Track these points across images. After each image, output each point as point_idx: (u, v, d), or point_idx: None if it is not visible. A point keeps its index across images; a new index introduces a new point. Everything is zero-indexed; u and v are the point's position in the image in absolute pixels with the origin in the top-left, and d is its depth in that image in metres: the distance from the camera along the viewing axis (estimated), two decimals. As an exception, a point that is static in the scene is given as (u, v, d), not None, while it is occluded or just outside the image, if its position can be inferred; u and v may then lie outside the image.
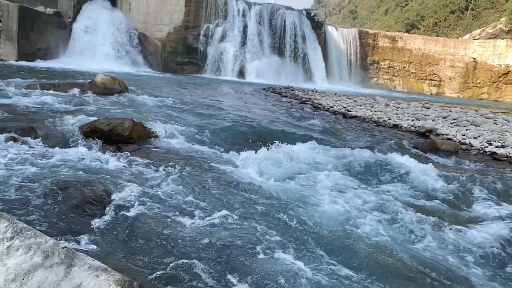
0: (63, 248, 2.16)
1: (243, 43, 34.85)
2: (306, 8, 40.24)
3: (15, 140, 5.63)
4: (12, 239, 2.15)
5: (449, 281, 3.51)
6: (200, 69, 34.45)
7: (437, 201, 5.60)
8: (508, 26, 46.82)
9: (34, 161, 5.04)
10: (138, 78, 21.69)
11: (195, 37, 34.38)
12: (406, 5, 73.26)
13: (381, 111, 15.34)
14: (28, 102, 8.77)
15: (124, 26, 31.32)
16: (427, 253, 4.01)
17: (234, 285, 3.01)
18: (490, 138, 10.35)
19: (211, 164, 6.10)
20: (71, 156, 5.50)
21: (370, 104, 17.82)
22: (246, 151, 6.95)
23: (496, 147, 9.78)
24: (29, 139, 5.86)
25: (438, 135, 10.97)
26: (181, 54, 34.19)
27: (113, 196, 4.26)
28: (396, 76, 44.71)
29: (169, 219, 3.93)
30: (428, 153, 8.97)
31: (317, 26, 38.31)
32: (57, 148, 5.78)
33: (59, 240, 2.38)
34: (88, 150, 5.97)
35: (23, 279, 2.02)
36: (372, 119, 13.48)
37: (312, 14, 38.62)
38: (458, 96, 43.85)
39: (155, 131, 7.31)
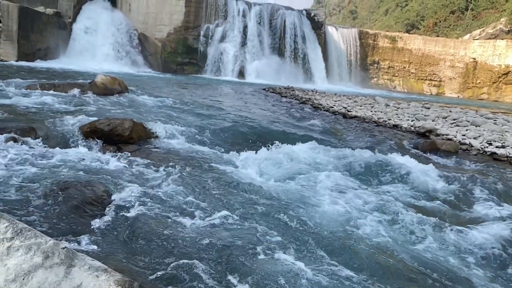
0: (63, 248, 2.15)
1: (243, 43, 34.86)
2: (306, 8, 40.25)
3: (15, 140, 5.63)
4: (12, 240, 2.15)
5: (451, 282, 3.50)
6: (200, 70, 34.46)
7: (438, 201, 5.59)
8: (508, 26, 46.83)
9: (34, 161, 5.04)
10: (138, 79, 21.69)
11: (195, 37, 34.39)
12: (406, 5, 73.28)
13: (381, 111, 15.34)
14: (28, 102, 8.77)
15: (124, 27, 31.31)
16: (428, 254, 4.00)
17: (234, 286, 3.01)
18: (490, 138, 10.35)
19: (211, 164, 6.09)
20: (71, 157, 5.50)
21: (370, 104, 17.82)
22: (246, 151, 6.95)
23: (496, 147, 9.78)
24: (29, 139, 5.86)
25: (438, 135, 10.97)
26: (181, 55, 34.20)
27: (113, 197, 4.26)
28: (396, 76, 44.72)
29: (169, 220, 3.93)
30: (428, 154, 8.96)
31: (317, 26, 38.32)
32: (57, 148, 5.78)
33: (60, 241, 2.38)
34: (88, 150, 5.97)
35: (23, 279, 2.02)
36: (372, 119, 13.48)
37: (312, 14, 38.62)
38: (458, 96, 43.86)
39: (155, 132, 7.31)
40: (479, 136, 10.72)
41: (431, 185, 6.17)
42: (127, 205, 4.10)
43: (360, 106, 17.10)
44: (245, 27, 35.11)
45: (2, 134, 5.64)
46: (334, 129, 11.25)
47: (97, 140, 6.28)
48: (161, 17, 33.56)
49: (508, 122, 13.45)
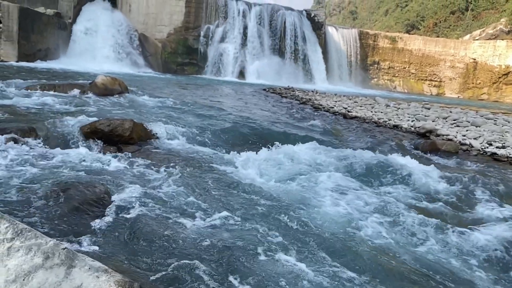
0: (64, 249, 2.15)
1: (243, 44, 34.87)
2: (306, 8, 40.26)
3: (15, 141, 5.62)
4: (13, 240, 2.15)
5: (453, 284, 3.49)
6: (200, 70, 34.47)
7: (440, 203, 5.56)
8: (508, 26, 46.83)
9: (35, 162, 5.04)
10: (139, 79, 21.70)
11: (195, 38, 34.41)
12: (406, 5, 73.29)
13: (381, 112, 15.34)
14: (28, 103, 8.77)
15: (124, 28, 31.29)
16: (430, 255, 3.98)
17: (235, 287, 3.00)
18: (490, 139, 10.34)
19: (212, 165, 6.09)
20: (72, 157, 5.50)
21: (370, 104, 17.82)
22: (246, 152, 6.94)
23: (497, 147, 9.77)
24: (29, 140, 5.86)
25: (438, 135, 10.96)
26: (181, 55, 34.21)
27: (114, 197, 4.25)
28: (396, 76, 44.73)
29: (170, 220, 3.93)
30: (429, 154, 8.95)
31: (317, 27, 38.34)
32: (57, 149, 5.78)
33: (60, 241, 2.38)
34: (89, 151, 5.96)
35: (23, 280, 2.02)
36: (373, 120, 13.48)
37: (312, 14, 38.64)
38: (458, 96, 43.85)
39: (156, 132, 7.31)
40: (480, 137, 10.71)
41: (433, 186, 6.15)
42: (127, 206, 4.09)
43: (360, 106, 17.09)
44: (245, 28, 35.13)
45: (2, 134, 5.63)
46: (335, 129, 11.25)
47: (98, 141, 6.28)
48: (161, 18, 33.58)
49: (509, 122, 13.44)
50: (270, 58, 35.60)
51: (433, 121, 13.13)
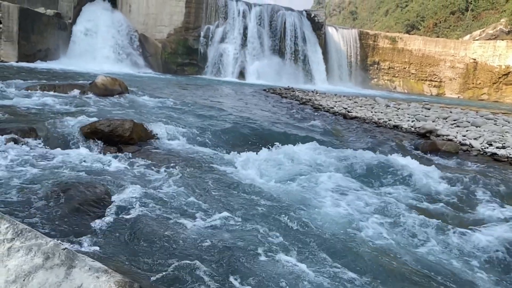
0: (64, 249, 2.15)
1: (244, 44, 34.88)
2: (306, 9, 40.27)
3: (16, 141, 5.62)
4: (13, 241, 2.15)
5: (454, 285, 3.48)
6: (200, 70, 34.48)
7: (441, 203, 5.55)
8: (508, 27, 46.84)
9: (35, 162, 5.04)
10: (139, 79, 21.70)
11: (195, 38, 34.42)
12: (406, 6, 73.31)
13: (381, 112, 15.33)
14: (28, 103, 8.77)
15: (124, 29, 31.25)
16: (431, 256, 3.97)
17: (236, 288, 3.00)
18: (490, 139, 10.33)
19: (212, 165, 6.09)
20: (72, 157, 5.50)
21: (370, 105, 17.82)
22: (247, 152, 6.93)
23: (497, 148, 9.76)
24: (30, 140, 5.86)
25: (438, 136, 10.96)
26: (182, 55, 34.22)
27: (114, 198, 4.25)
28: (396, 77, 44.74)
29: (170, 221, 3.93)
30: (429, 154, 8.95)
31: (317, 27, 38.35)
32: (57, 149, 5.78)
33: (61, 242, 2.38)
34: (89, 151, 5.96)
35: (23, 280, 2.02)
36: (373, 120, 13.48)
37: (312, 15, 38.65)
38: (459, 97, 43.86)
39: (156, 132, 7.31)
40: (480, 137, 10.71)
41: (433, 187, 6.14)
42: (128, 206, 4.09)
43: (361, 106, 17.09)
44: (245, 28, 35.14)
45: (2, 135, 5.64)
46: (335, 130, 11.24)
47: (98, 141, 6.28)
48: (161, 18, 33.58)
49: (509, 122, 13.44)
50: (270, 58, 35.61)
51: (433, 122, 13.13)
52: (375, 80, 44.06)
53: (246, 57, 34.77)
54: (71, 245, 3.15)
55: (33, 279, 2.02)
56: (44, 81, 13.35)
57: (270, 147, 7.15)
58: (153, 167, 5.59)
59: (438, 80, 45.13)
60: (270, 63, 35.16)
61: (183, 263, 3.17)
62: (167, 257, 3.26)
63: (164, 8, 33.49)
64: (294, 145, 7.36)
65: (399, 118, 14.15)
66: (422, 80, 45.19)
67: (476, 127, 12.20)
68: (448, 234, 4.46)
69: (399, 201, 5.36)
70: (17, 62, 22.62)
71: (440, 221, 4.74)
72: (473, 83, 44.57)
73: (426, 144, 9.44)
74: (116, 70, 25.32)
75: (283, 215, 4.34)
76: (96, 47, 29.44)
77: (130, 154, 6.05)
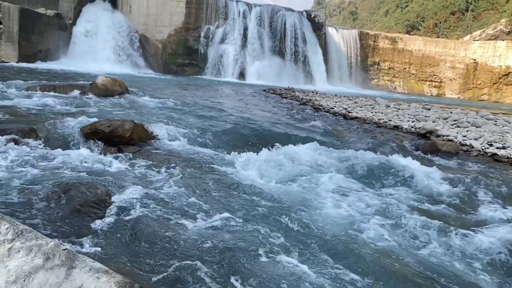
0: (64, 250, 2.15)
1: (244, 45, 34.89)
2: (306, 9, 40.28)
3: (16, 142, 5.62)
4: (13, 241, 2.14)
5: (457, 287, 3.46)
6: (200, 71, 34.49)
7: (442, 204, 5.53)
8: (509, 27, 46.83)
9: (35, 163, 5.04)
10: (139, 80, 21.71)
11: (195, 38, 34.44)
12: (406, 6, 73.31)
13: (381, 112, 15.33)
14: (29, 103, 8.77)
15: (125, 30, 31.22)
16: (433, 258, 3.95)
17: (237, 289, 2.99)
18: (490, 139, 10.32)
19: (213, 166, 6.08)
20: (72, 158, 5.49)
21: (370, 105, 17.81)
22: (247, 152, 6.92)
23: (497, 148, 9.75)
24: (30, 141, 5.86)
25: (438, 136, 10.96)
26: (182, 56, 34.23)
27: (115, 198, 4.25)
28: (397, 77, 44.73)
29: (171, 221, 3.92)
30: (429, 155, 8.94)
31: (318, 27, 38.36)
32: (58, 149, 5.78)
33: (61, 242, 2.37)
34: (89, 151, 5.96)
35: (24, 281, 2.01)
36: (373, 120, 13.47)
37: (313, 15, 38.66)
38: (459, 97, 43.85)
39: (157, 133, 7.31)
40: (480, 137, 10.70)
41: (435, 188, 6.12)
42: (128, 207, 4.09)
43: (361, 107, 17.09)
44: (246, 29, 35.16)
45: (3, 135, 5.63)
46: (335, 130, 11.24)
47: (98, 142, 6.28)
48: (161, 19, 33.60)
49: (509, 123, 13.43)
50: (270, 59, 35.62)
51: (433, 122, 13.12)
52: (375, 80, 44.05)
53: (246, 57, 34.78)
54: (72, 246, 3.14)
55: (33, 280, 2.02)
56: (45, 81, 13.35)
57: (270, 147, 7.13)
58: (153, 168, 5.59)
59: (438, 80, 45.13)
60: (270, 63, 35.17)
61: (184, 263, 3.16)
62: (167, 258, 3.26)
63: (165, 8, 33.51)
64: (294, 145, 7.34)
65: (399, 118, 14.14)
66: (422, 80, 45.19)
67: (477, 127, 12.20)
68: (450, 236, 4.44)
69: (401, 202, 5.34)
70: (17, 62, 22.65)
71: (442, 222, 4.71)
72: (473, 84, 44.57)
73: (427, 145, 9.44)
74: (117, 71, 25.33)
75: (284, 216, 4.34)
76: (97, 48, 29.43)
77: (131, 154, 6.04)
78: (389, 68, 44.42)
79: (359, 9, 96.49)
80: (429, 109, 16.78)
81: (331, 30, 41.08)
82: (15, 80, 12.42)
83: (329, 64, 39.38)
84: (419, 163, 7.15)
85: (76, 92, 10.88)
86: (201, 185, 5.14)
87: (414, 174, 6.43)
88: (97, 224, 3.69)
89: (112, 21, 30.80)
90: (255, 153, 6.83)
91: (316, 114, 14.68)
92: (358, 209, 4.92)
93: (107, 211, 3.96)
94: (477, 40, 46.98)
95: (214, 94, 19.12)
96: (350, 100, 20.03)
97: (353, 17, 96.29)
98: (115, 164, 5.55)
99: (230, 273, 3.16)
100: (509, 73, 42.32)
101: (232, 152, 6.99)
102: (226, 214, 4.22)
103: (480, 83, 44.19)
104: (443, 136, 10.88)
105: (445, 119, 13.90)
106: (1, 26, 22.57)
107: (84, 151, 5.89)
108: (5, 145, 5.42)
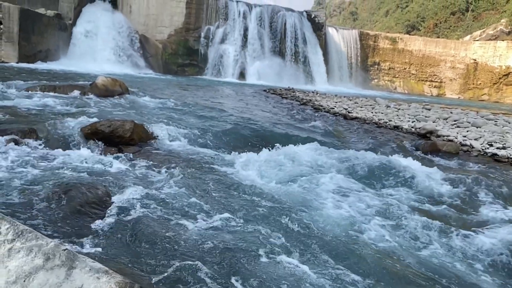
0: (64, 250, 2.14)
1: (244, 45, 34.89)
2: (306, 9, 40.28)
3: (16, 142, 5.62)
4: (13, 241, 2.14)
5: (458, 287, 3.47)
6: (201, 71, 34.49)
7: (443, 205, 5.52)
8: (509, 27, 46.83)
9: (36, 163, 5.03)
10: (139, 80, 21.70)
11: (195, 39, 34.44)
12: (407, 6, 73.31)
13: (381, 113, 15.32)
14: (29, 104, 8.77)
15: (125, 30, 31.18)
16: (434, 259, 3.94)
17: (237, 289, 2.99)
18: (491, 140, 10.32)
19: (213, 166, 6.08)
20: (73, 158, 5.49)
21: (370, 105, 17.81)
22: (247, 153, 6.92)
23: (497, 148, 9.75)
24: (30, 141, 5.85)
25: (439, 136, 10.95)
26: (182, 56, 34.22)
27: (115, 199, 4.24)
28: (397, 77, 44.72)
29: (171, 222, 3.92)
30: (429, 155, 8.93)
31: (318, 28, 38.35)
32: (58, 150, 5.77)
33: (61, 243, 2.37)
34: (90, 152, 5.95)
35: (24, 281, 2.01)
36: (373, 121, 13.47)
37: (313, 15, 38.66)
38: (459, 97, 43.84)
39: (157, 133, 7.31)
40: (480, 137, 10.70)
41: (435, 188, 6.10)
42: (129, 207, 4.08)
43: (361, 107, 17.09)
44: (246, 29, 35.15)
45: (3, 136, 5.63)
46: (336, 130, 11.23)
47: (98, 142, 6.27)
48: (161, 19, 33.60)
49: (509, 123, 13.42)
50: (271, 59, 35.61)
51: (433, 122, 13.12)
52: (376, 80, 44.04)
53: (247, 58, 34.78)
54: (72, 246, 3.14)
55: (33, 280, 2.01)
56: (45, 82, 13.35)
57: (270, 148, 7.12)
58: (154, 168, 5.59)
59: (439, 80, 45.12)
60: (270, 64, 35.15)
61: (184, 264, 3.16)
62: (168, 258, 3.25)
63: (165, 9, 33.51)
64: (294, 145, 7.34)
65: (400, 118, 14.13)
66: (422, 80, 45.17)
67: (477, 127, 12.19)
68: (451, 237, 4.43)
69: (401, 202, 5.33)
70: (17, 62, 22.65)
71: (443, 223, 4.70)
72: (473, 84, 44.56)
73: (427, 145, 9.43)
74: (117, 71, 25.33)
75: (284, 217, 4.33)
76: (97, 49, 29.40)
77: (131, 155, 6.04)
78: (389, 68, 44.41)
79: (359, 10, 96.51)
80: (429, 109, 16.78)
81: (331, 31, 41.07)
82: (15, 80, 12.42)
83: (329, 64, 39.36)
84: (420, 164, 7.14)
85: (76, 93, 10.88)
86: (202, 185, 5.14)
87: (414, 174, 6.42)
88: (97, 224, 3.69)
89: (112, 22, 30.78)
90: (256, 154, 6.82)
91: (316, 114, 14.68)
92: (359, 209, 4.91)
93: (108, 211, 3.96)
94: (477, 40, 46.97)
95: (214, 94, 19.11)
96: (350, 100, 20.03)
97: (353, 17, 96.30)
98: (116, 164, 5.55)
99: (230, 273, 3.16)
100: (509, 73, 42.30)
101: (233, 152, 6.99)
102: (226, 215, 4.22)
103: (480, 83, 44.17)
104: (443, 136, 10.88)
105: (445, 119, 13.89)
106: (1, 26, 22.57)
107: (84, 152, 5.89)
108: (6, 145, 5.42)
